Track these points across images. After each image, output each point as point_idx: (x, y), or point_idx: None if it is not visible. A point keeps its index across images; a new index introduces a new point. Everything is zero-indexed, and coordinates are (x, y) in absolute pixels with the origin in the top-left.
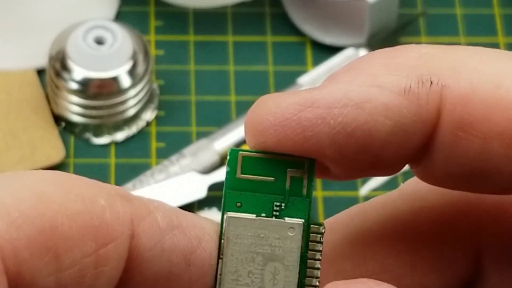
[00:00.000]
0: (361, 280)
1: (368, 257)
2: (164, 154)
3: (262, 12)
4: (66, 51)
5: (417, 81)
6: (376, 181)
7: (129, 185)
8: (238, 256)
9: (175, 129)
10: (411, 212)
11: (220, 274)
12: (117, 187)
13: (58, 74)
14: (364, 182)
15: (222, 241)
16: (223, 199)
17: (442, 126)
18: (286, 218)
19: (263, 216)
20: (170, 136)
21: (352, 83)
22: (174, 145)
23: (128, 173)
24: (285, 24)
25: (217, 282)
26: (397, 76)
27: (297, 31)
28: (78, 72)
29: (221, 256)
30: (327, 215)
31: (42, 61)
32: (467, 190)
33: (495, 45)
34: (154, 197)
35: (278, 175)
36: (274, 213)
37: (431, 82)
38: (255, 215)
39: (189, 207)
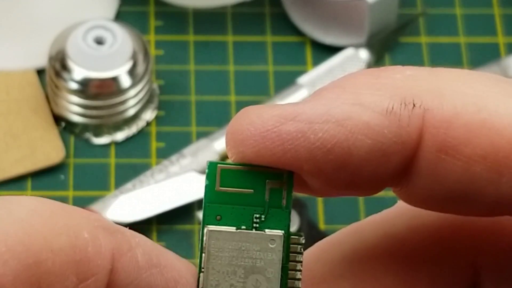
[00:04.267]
0: None
1: (366, 276)
2: (164, 154)
3: (262, 12)
4: (66, 51)
5: (400, 102)
6: None
7: (129, 185)
8: (220, 269)
9: (175, 129)
10: (408, 230)
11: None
12: (100, 217)
13: (58, 74)
14: None
15: (203, 254)
16: (202, 212)
17: (424, 149)
18: (266, 230)
19: (243, 229)
20: (170, 136)
21: (335, 100)
22: (174, 145)
23: (128, 173)
24: (285, 24)
25: None
26: (380, 97)
27: (297, 31)
28: (78, 72)
29: (202, 270)
30: (327, 216)
31: (42, 61)
32: (450, 213)
33: (495, 45)
34: (154, 197)
35: (257, 187)
36: (254, 225)
37: (414, 105)
38: (235, 228)
39: (189, 207)
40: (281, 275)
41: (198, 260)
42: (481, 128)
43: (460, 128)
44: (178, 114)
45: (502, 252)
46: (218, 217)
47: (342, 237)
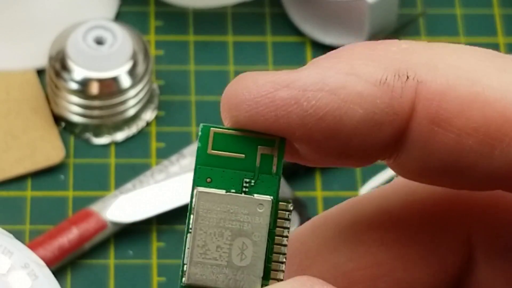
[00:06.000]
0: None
1: (361, 251)
2: (164, 154)
3: (262, 12)
4: (66, 51)
5: (394, 74)
6: (376, 181)
7: (129, 185)
8: (207, 231)
9: (175, 129)
10: (403, 205)
11: (188, 248)
12: None
13: (58, 74)
14: (364, 182)
15: (192, 215)
16: (193, 174)
17: (417, 120)
18: (255, 195)
19: (233, 192)
20: (170, 136)
21: (330, 69)
22: (174, 145)
23: (128, 173)
24: (285, 24)
25: (185, 256)
26: (375, 68)
27: (297, 31)
28: (78, 72)
29: (190, 231)
30: None
31: (42, 61)
32: (443, 186)
33: (495, 45)
34: (154, 197)
35: (249, 152)
36: (244, 189)
37: (407, 77)
38: (225, 191)
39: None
40: (268, 240)
41: (186, 221)
42: (474, 101)
43: (453, 100)
44: (178, 114)
45: (496, 227)
46: (209, 180)
47: (337, 212)
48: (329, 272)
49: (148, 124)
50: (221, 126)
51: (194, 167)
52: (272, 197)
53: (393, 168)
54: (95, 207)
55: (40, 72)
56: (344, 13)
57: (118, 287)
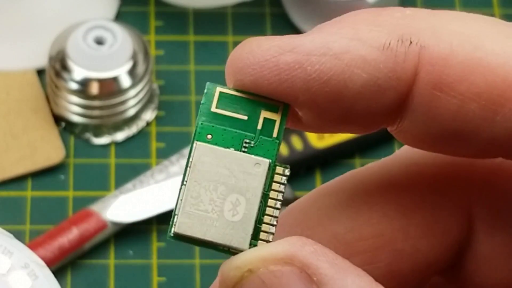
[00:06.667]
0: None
1: (362, 221)
2: (164, 154)
3: (262, 12)
4: (66, 51)
5: (397, 39)
6: None
7: (129, 185)
8: (202, 183)
9: (175, 129)
10: (405, 177)
11: (181, 200)
12: None
13: (58, 74)
14: None
15: (188, 168)
16: (195, 129)
17: (419, 85)
18: (254, 156)
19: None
20: (170, 136)
21: (334, 34)
22: (174, 145)
23: (128, 173)
24: (285, 24)
25: (177, 207)
26: (378, 33)
27: (297, 31)
28: (78, 72)
29: (184, 183)
30: None
31: (42, 61)
32: (446, 153)
33: None
34: (154, 197)
35: (252, 115)
36: (243, 149)
37: (411, 42)
38: (224, 148)
39: None
40: (261, 201)
41: (183, 175)
42: (477, 66)
43: (455, 65)
44: (178, 114)
45: (497, 198)
46: (209, 136)
47: (339, 183)
48: (330, 242)
49: (148, 124)
50: (227, 87)
51: (196, 122)
52: (270, 160)
53: (396, 135)
54: (95, 207)
55: (40, 72)
56: (344, 13)
57: (118, 287)
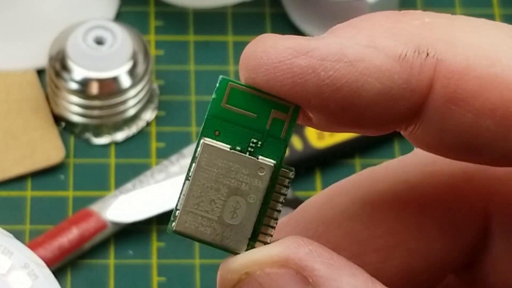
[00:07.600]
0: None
1: (377, 219)
2: (164, 154)
3: (262, 12)
4: (66, 51)
5: (414, 50)
6: None
7: (129, 185)
8: (205, 183)
9: (175, 129)
10: (421, 176)
11: (183, 195)
12: None
13: (58, 74)
14: None
15: (194, 164)
16: (203, 124)
17: (434, 98)
18: (260, 157)
19: (238, 150)
20: (170, 136)
21: (350, 40)
22: (174, 145)
23: (128, 173)
24: (285, 24)
25: (179, 201)
26: (395, 42)
27: (297, 31)
28: (78, 72)
29: (189, 178)
30: None
31: (42, 61)
32: (459, 160)
33: None
34: (154, 197)
35: (262, 113)
36: (249, 149)
37: (427, 54)
38: (230, 147)
39: None
40: (262, 203)
41: (188, 168)
42: (492, 82)
43: (471, 80)
44: (178, 114)
45: None
46: (217, 132)
47: (355, 181)
48: (344, 240)
49: (148, 124)
50: (239, 82)
51: (205, 117)
52: (275, 162)
53: (409, 139)
54: (95, 207)
55: (40, 72)
56: (344, 13)
57: (118, 287)
